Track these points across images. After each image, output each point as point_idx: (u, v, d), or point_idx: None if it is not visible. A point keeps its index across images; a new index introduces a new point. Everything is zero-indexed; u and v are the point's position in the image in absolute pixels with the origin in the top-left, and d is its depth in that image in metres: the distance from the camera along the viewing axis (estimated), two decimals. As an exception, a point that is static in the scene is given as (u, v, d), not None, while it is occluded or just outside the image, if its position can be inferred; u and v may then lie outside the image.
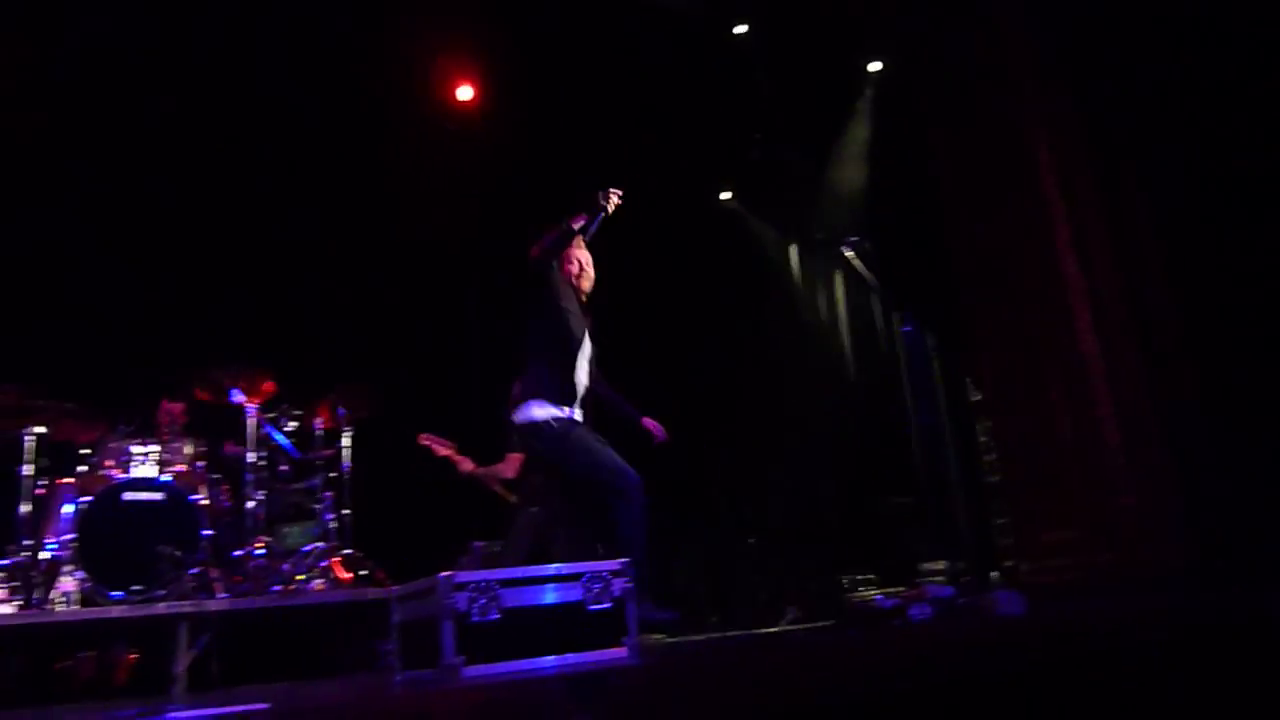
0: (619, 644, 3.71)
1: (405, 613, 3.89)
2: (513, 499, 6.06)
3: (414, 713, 1.81)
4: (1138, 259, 5.72)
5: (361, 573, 5.87)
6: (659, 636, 5.06)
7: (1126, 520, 5.44)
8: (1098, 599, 4.76)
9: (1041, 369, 5.94)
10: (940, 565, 6.15)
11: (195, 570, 5.30)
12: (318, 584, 5.65)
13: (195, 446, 5.79)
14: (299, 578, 5.64)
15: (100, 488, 5.28)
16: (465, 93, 8.16)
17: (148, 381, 6.12)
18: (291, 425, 6.20)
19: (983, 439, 6.55)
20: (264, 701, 3.04)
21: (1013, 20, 6.21)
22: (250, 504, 5.77)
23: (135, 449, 5.51)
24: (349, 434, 6.25)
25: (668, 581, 7.39)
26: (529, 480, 5.93)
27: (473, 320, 7.99)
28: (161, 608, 5.01)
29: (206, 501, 5.59)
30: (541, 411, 4.17)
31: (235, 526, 5.84)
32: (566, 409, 4.21)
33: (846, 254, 5.05)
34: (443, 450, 5.98)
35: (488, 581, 3.50)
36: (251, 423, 5.87)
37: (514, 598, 3.56)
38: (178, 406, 5.95)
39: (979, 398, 6.53)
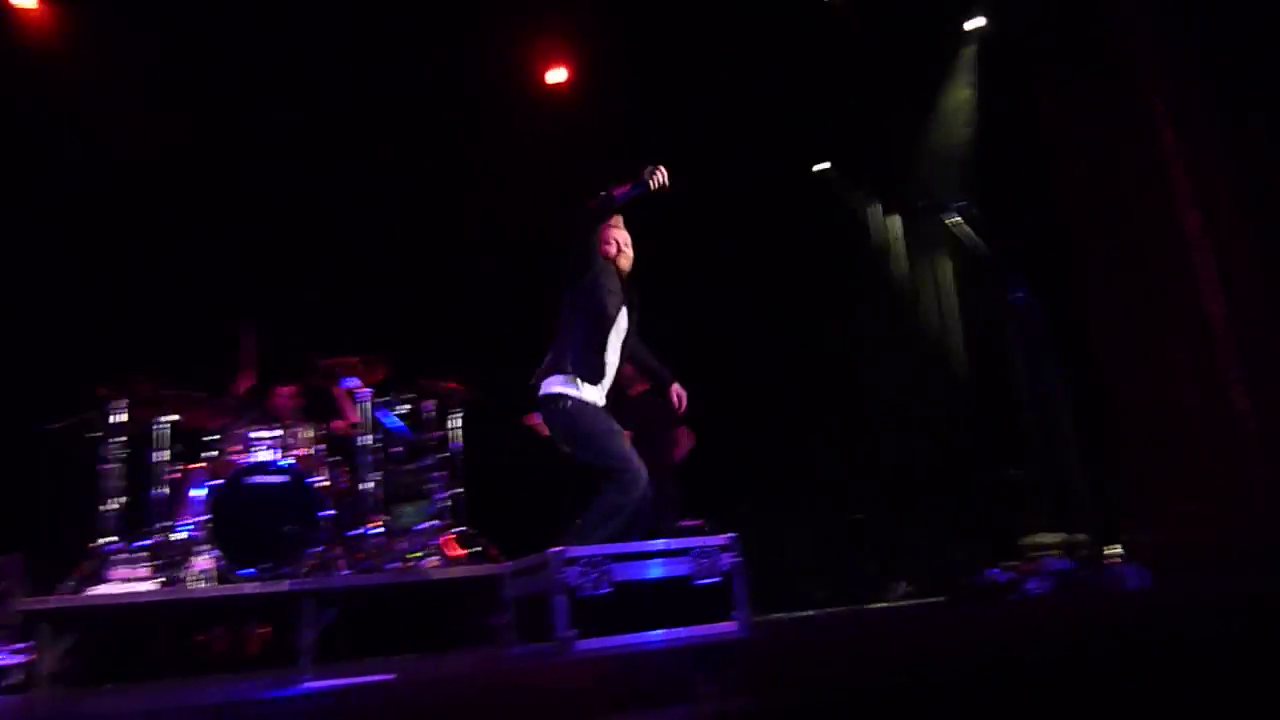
0: (728, 618, 3.72)
1: (518, 588, 3.98)
2: (618, 476, 6.11)
3: (534, 685, 1.85)
4: (1265, 213, 5.40)
5: (474, 549, 6.03)
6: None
7: (1257, 490, 5.18)
8: (1227, 573, 4.55)
9: (1164, 333, 5.67)
10: (1058, 538, 5.95)
11: (318, 549, 5.53)
12: (432, 561, 5.82)
13: (314, 430, 6.03)
14: (414, 555, 5.83)
15: (228, 472, 5.54)
16: (557, 75, 8.21)
17: (266, 370, 6.40)
18: (403, 408, 6.39)
19: (1101, 407, 6.30)
20: (389, 673, 3.17)
21: (1124, -35, 5.91)
22: (366, 485, 5.97)
23: (258, 434, 5.77)
24: (459, 415, 6.41)
25: (776, 556, 7.37)
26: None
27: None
28: (288, 584, 5.25)
29: (326, 483, 5.82)
30: (560, 387, 4.13)
31: (353, 507, 6.06)
32: (587, 387, 4.14)
33: (952, 220, 4.90)
34: (547, 431, 6.06)
35: (598, 556, 3.56)
36: (365, 406, 6.07)
37: (623, 572, 3.61)
38: (288, 389, 6.21)
39: (1097, 364, 6.27)
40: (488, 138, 7.78)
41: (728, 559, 3.79)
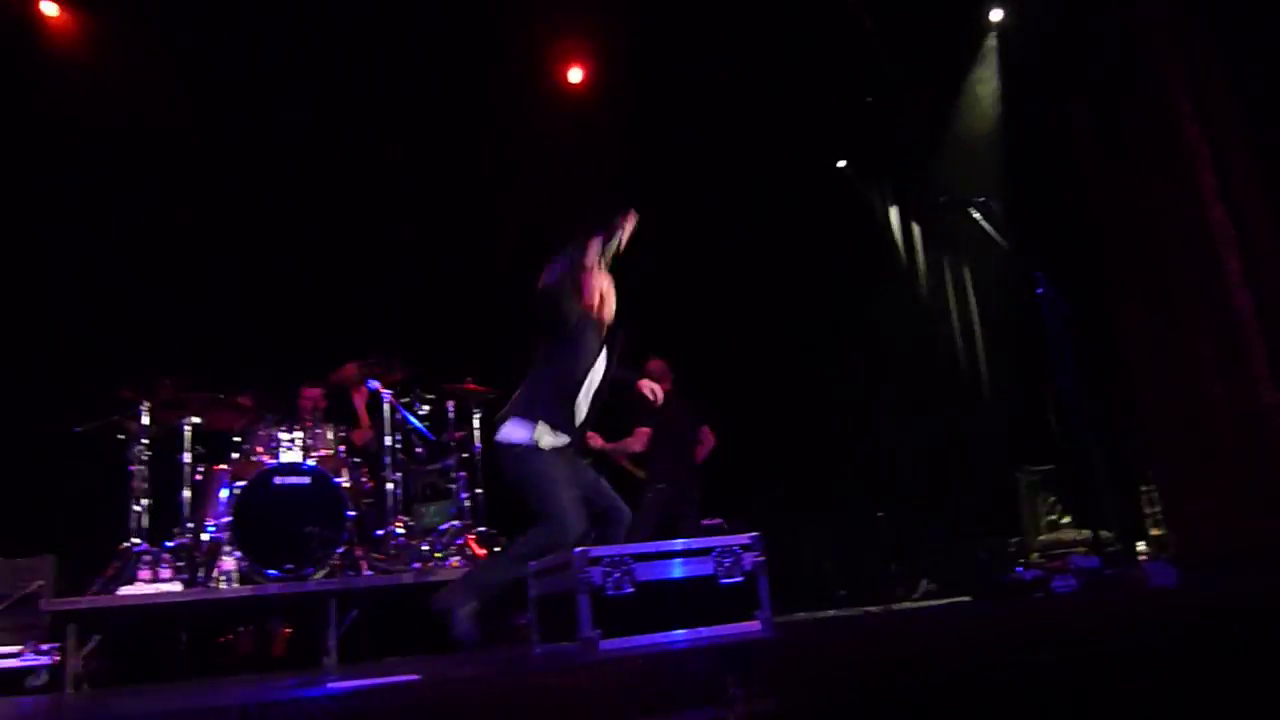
0: (751, 618, 3.71)
1: (541, 587, 3.98)
2: (640, 474, 6.13)
3: (562, 686, 1.86)
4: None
5: (495, 549, 6.04)
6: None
7: (1287, 485, 5.11)
8: (1255, 570, 4.49)
9: (1190, 327, 5.61)
10: (1083, 535, 5.90)
11: (341, 549, 5.56)
12: (455, 560, 5.84)
13: (336, 432, 6.06)
14: (437, 555, 5.85)
15: (252, 473, 5.59)
16: (575, 75, 8.23)
17: (288, 372, 6.45)
18: (425, 409, 6.41)
19: (1126, 403, 6.24)
20: (413, 674, 3.18)
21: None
22: (389, 486, 6.00)
23: (282, 435, 5.81)
24: (479, 415, 6.43)
25: (797, 555, 7.35)
26: (657, 455, 5.98)
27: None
28: (313, 585, 5.28)
29: (349, 484, 5.85)
30: (514, 432, 4.03)
31: (376, 507, 6.09)
32: (547, 436, 4.03)
33: (973, 215, 4.86)
34: None
35: (621, 556, 3.55)
36: (387, 408, 6.10)
37: (646, 572, 3.60)
38: (316, 391, 6.24)
39: (1122, 359, 6.21)
40: (510, 137, 7.81)
41: (750, 558, 3.78)
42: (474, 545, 5.99)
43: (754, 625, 3.67)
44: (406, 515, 6.05)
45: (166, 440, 5.74)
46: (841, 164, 9.39)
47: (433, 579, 5.58)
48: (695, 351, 7.10)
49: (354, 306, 7.34)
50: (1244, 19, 5.51)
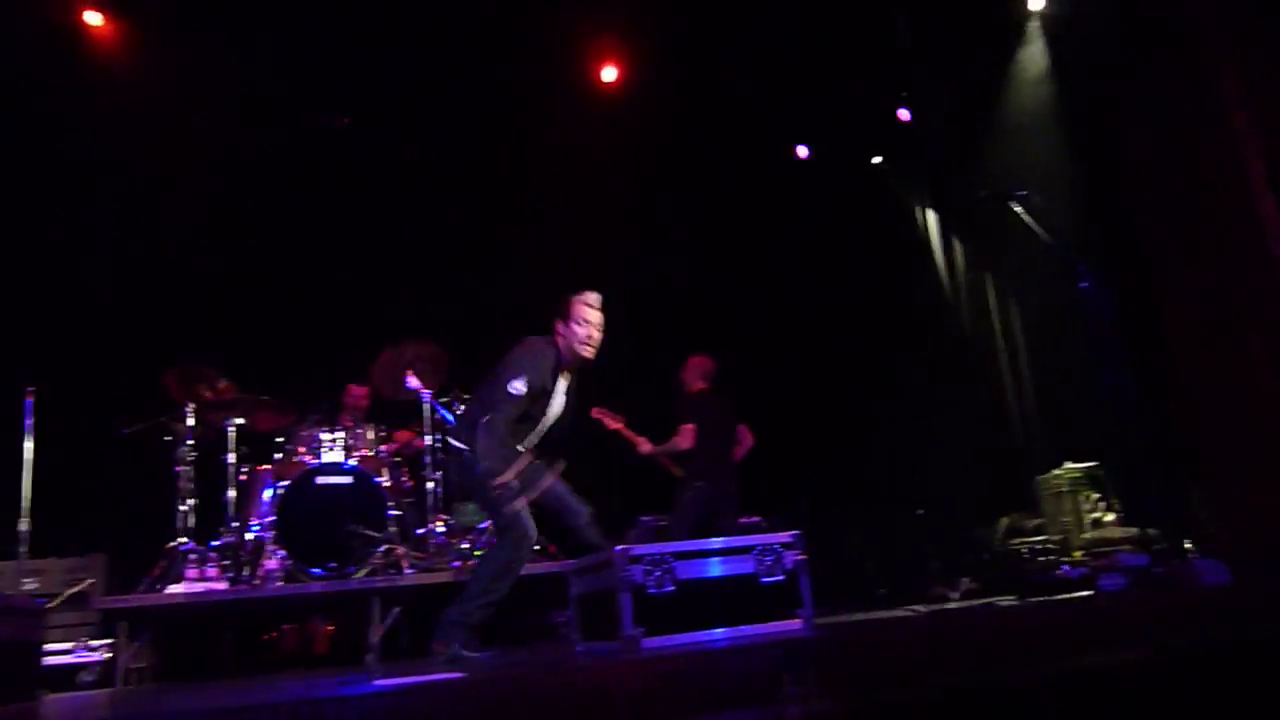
0: (793, 616, 3.70)
1: (582, 585, 4.00)
2: (680, 473, 6.12)
3: (609, 684, 1.85)
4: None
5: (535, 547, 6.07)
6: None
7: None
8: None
9: (1240, 321, 5.48)
10: (1130, 533, 5.80)
11: (383, 548, 5.61)
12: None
13: (376, 432, 6.12)
14: (477, 553, 5.88)
15: (295, 473, 5.66)
16: (609, 73, 8.23)
17: (328, 372, 6.52)
18: (463, 408, 6.44)
19: (1172, 398, 6.13)
20: (457, 671, 3.19)
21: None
22: (429, 485, 6.05)
23: (324, 436, 5.87)
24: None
25: (835, 553, 7.29)
26: (697, 453, 5.97)
27: (639, 299, 8.05)
28: (355, 583, 5.34)
29: (389, 483, 5.90)
30: (468, 444, 4.06)
31: (416, 506, 6.15)
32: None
33: (1014, 209, 4.80)
34: (613, 424, 6.11)
35: (662, 554, 3.56)
36: (426, 408, 6.14)
37: (687, 570, 3.60)
38: (363, 390, 6.31)
39: (1169, 355, 6.10)
40: (546, 134, 7.84)
41: (792, 557, 3.77)
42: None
43: (795, 624, 3.66)
44: (446, 514, 6.09)
45: (213, 441, 5.84)
46: (877, 160, 9.31)
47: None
48: (734, 349, 7.08)
49: (392, 306, 7.41)
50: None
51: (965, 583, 6.59)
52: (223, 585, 5.26)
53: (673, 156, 8.17)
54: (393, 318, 7.23)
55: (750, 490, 6.30)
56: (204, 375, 5.66)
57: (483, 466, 3.95)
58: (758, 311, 8.64)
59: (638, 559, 3.51)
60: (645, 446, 6.05)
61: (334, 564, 5.47)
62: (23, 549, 5.30)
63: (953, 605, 5.01)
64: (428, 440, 6.12)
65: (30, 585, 5.41)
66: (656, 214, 8.28)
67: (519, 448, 4.16)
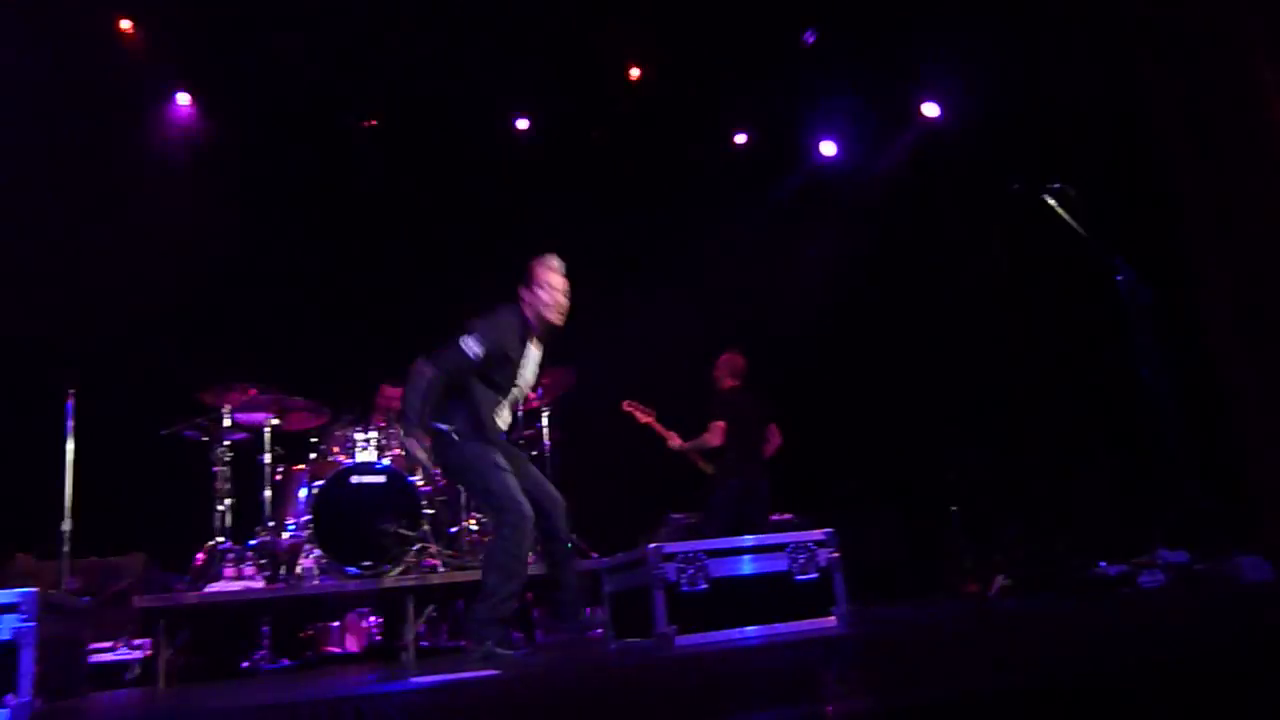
0: (826, 613, 3.68)
1: (615, 583, 4.00)
2: (710, 470, 6.11)
3: (645, 682, 1.85)
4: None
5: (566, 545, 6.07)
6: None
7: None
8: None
9: (1278, 314, 5.39)
10: (1171, 528, 5.71)
11: (417, 546, 5.65)
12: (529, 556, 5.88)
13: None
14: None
15: (330, 472, 5.71)
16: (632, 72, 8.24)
17: (362, 374, 6.56)
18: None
19: (1212, 393, 6.02)
20: (491, 669, 3.21)
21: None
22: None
23: (357, 435, 5.92)
24: (547, 413, 6.48)
25: (868, 551, 7.25)
26: (727, 450, 5.96)
27: (667, 297, 8.05)
28: (390, 581, 5.38)
29: (422, 482, 5.94)
30: (443, 422, 4.03)
31: (449, 505, 6.18)
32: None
33: (1049, 202, 4.74)
34: (644, 418, 6.12)
35: (695, 552, 3.55)
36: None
37: (720, 568, 3.59)
38: (398, 390, 6.33)
39: (1209, 348, 6.00)
40: (584, 137, 7.89)
41: (825, 554, 3.75)
42: (545, 542, 6.03)
43: (830, 621, 3.64)
44: (478, 513, 6.12)
45: (250, 441, 5.90)
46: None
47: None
48: (765, 347, 7.05)
49: (426, 307, 7.45)
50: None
51: (1001, 580, 6.52)
52: (260, 584, 5.32)
53: (683, 154, 8.21)
54: (426, 319, 7.26)
55: (781, 487, 6.27)
56: (235, 388, 5.71)
57: (448, 429, 3.92)
58: (789, 306, 8.60)
59: (670, 557, 3.51)
60: (675, 441, 6.05)
61: (369, 562, 5.51)
62: (65, 549, 5.39)
63: (988, 601, 4.97)
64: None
65: (73, 585, 5.50)
66: (698, 206, 8.30)
67: (498, 422, 4.13)
